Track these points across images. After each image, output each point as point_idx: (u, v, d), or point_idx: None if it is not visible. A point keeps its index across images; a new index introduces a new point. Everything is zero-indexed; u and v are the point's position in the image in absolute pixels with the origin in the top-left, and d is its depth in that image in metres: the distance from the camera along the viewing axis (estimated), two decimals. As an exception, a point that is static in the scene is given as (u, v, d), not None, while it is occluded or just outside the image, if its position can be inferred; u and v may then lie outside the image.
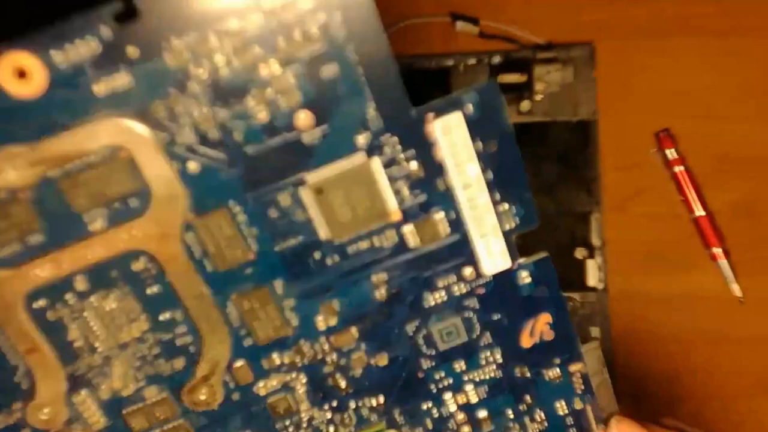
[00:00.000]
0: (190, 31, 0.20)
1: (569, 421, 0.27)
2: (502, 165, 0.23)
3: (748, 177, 0.42)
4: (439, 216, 0.23)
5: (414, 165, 0.23)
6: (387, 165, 0.23)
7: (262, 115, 0.21)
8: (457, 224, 0.24)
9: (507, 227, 0.24)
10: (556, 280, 0.25)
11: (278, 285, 0.24)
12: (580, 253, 0.42)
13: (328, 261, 0.24)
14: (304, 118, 0.22)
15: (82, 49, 0.20)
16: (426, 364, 0.26)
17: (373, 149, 0.22)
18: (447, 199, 0.23)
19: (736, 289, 0.41)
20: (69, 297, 0.23)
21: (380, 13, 0.49)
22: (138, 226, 0.22)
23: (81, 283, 0.23)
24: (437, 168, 0.23)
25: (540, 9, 0.44)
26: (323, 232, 0.23)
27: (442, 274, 0.24)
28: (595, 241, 0.42)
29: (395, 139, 0.22)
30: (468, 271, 0.24)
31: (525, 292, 0.25)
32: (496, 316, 0.25)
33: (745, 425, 0.41)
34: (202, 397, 0.25)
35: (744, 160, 0.42)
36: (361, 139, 0.22)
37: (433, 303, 0.25)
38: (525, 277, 0.25)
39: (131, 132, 0.21)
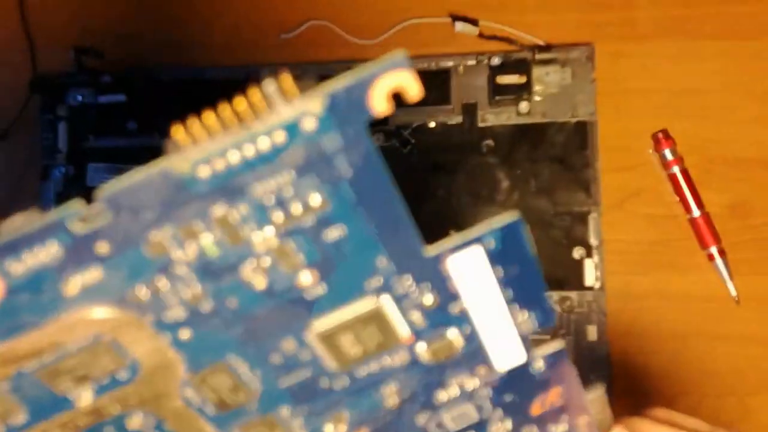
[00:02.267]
0: (169, 222, 0.18)
1: None
2: (523, 284, 0.21)
3: (743, 178, 0.42)
4: (454, 334, 0.22)
5: (428, 298, 0.21)
6: (399, 300, 0.21)
7: (260, 284, 0.20)
8: (471, 337, 0.22)
9: (524, 331, 0.22)
10: (571, 362, 0.24)
11: (284, 411, 0.23)
12: (577, 252, 0.42)
13: (337, 385, 0.23)
14: (307, 277, 0.20)
15: (41, 255, 0.18)
16: None
17: (384, 289, 0.21)
18: (462, 319, 0.22)
19: (731, 289, 0.41)
20: None
21: (380, 15, 0.49)
22: (130, 393, 0.21)
23: None
24: (453, 295, 0.21)
25: (539, 10, 0.44)
26: (331, 366, 0.22)
27: (455, 376, 0.24)
28: (593, 240, 0.42)
29: (408, 276, 0.21)
30: (482, 371, 0.23)
31: (539, 376, 0.24)
32: (508, 398, 0.25)
33: (739, 423, 0.42)
34: None
35: (739, 162, 0.43)
36: (372, 284, 0.20)
37: (445, 399, 0.24)
38: (539, 366, 0.24)
39: (110, 321, 0.19)
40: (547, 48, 0.43)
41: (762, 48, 0.43)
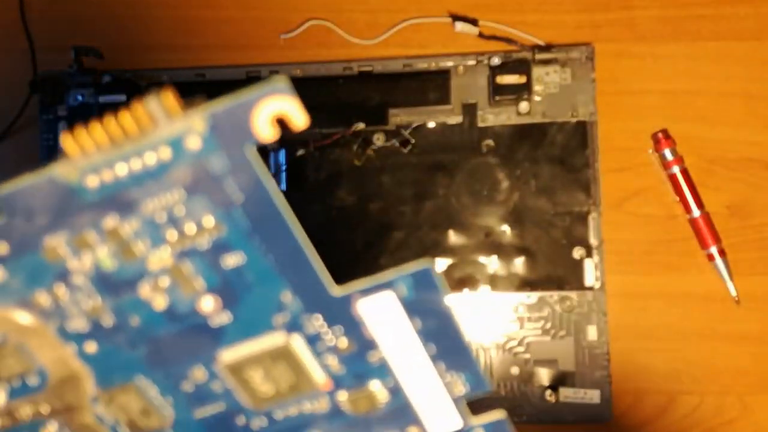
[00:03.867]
0: (62, 229, 0.18)
1: None
2: (445, 341, 0.20)
3: (743, 178, 0.43)
4: (376, 385, 0.21)
5: (343, 341, 0.20)
6: (311, 341, 0.20)
7: (160, 304, 0.20)
8: (396, 391, 0.21)
9: (457, 393, 0.21)
10: None
11: None
12: (577, 252, 0.42)
13: (254, 425, 0.22)
14: (209, 303, 0.20)
15: None
16: None
17: (293, 327, 0.20)
18: (384, 370, 0.21)
19: (731, 289, 0.42)
20: None
21: (380, 15, 0.49)
22: (42, 401, 0.21)
23: None
24: (370, 342, 0.20)
25: (539, 11, 0.44)
26: (245, 402, 0.21)
27: None
28: (593, 240, 0.42)
29: (318, 316, 0.20)
30: (413, 430, 0.22)
31: None
32: None
33: (739, 422, 0.42)
34: None
35: (739, 162, 0.43)
36: (279, 319, 0.20)
37: None
38: None
39: (14, 322, 0.20)
40: (547, 48, 0.43)
41: (762, 48, 0.43)
